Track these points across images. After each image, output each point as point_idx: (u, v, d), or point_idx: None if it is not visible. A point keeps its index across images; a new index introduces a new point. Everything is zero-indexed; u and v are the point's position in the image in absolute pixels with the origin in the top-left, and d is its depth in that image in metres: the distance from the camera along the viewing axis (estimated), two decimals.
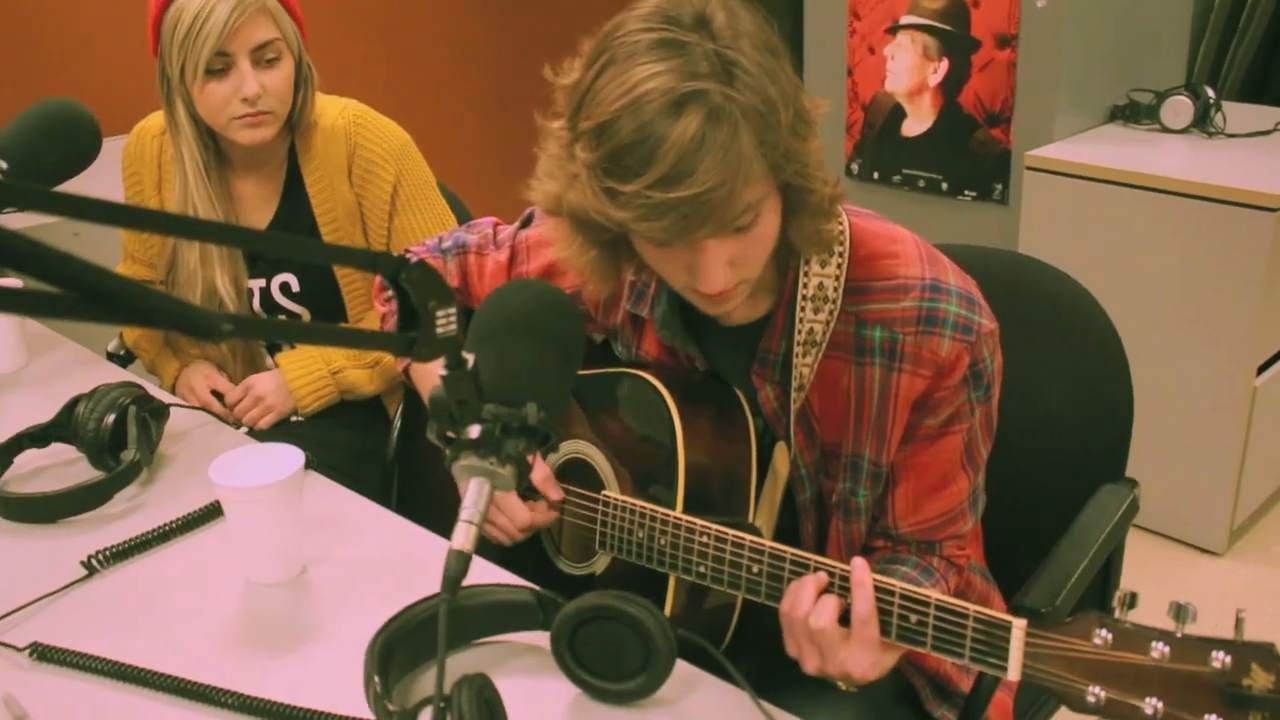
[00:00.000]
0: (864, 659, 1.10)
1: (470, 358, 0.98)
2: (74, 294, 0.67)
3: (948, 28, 3.10)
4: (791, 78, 1.12)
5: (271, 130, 1.84)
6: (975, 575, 1.43)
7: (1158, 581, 2.76)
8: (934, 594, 1.08)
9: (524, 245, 1.49)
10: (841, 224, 1.27)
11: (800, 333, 1.27)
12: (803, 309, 1.27)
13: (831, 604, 1.11)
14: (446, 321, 0.92)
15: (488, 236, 1.54)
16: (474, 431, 0.98)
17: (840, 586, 1.12)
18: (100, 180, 2.13)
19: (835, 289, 1.26)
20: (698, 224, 1.08)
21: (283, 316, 1.98)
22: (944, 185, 3.23)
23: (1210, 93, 2.98)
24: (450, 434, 1.00)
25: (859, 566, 1.11)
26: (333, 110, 1.92)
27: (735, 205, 1.09)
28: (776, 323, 1.30)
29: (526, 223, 1.51)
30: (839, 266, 1.27)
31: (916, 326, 1.24)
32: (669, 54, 1.06)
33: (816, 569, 1.14)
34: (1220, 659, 0.92)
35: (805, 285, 1.27)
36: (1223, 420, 2.75)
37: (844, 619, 1.11)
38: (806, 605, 1.12)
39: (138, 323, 0.73)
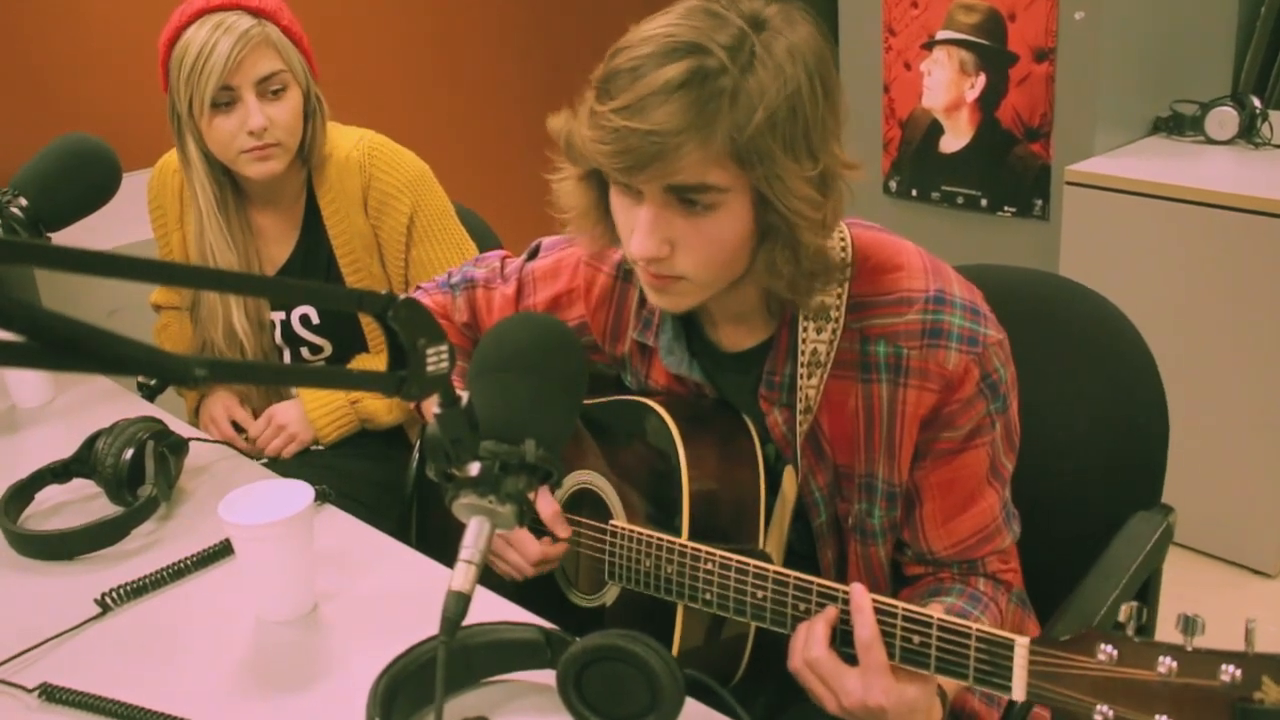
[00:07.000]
0: (876, 686, 1.07)
1: (464, 395, 0.97)
2: (38, 343, 0.66)
3: (984, 42, 3.05)
4: (826, 122, 1.14)
5: (280, 163, 1.82)
6: (1012, 602, 1.39)
7: (1207, 604, 2.65)
8: (936, 614, 1.06)
9: (530, 277, 1.48)
10: (844, 239, 1.26)
11: (804, 353, 1.25)
12: (804, 329, 1.25)
13: (820, 628, 1.10)
14: (437, 359, 0.91)
15: (495, 270, 1.53)
16: (473, 469, 0.98)
17: (842, 610, 1.11)
18: (134, 214, 2.15)
19: (838, 306, 1.24)
20: (643, 163, 1.09)
21: (304, 348, 1.98)
22: (983, 202, 3.19)
23: (1256, 103, 2.91)
24: (453, 471, 0.99)
25: (857, 591, 1.09)
26: (348, 142, 1.91)
27: (681, 160, 1.08)
28: (780, 344, 1.28)
29: (533, 255, 1.50)
30: (841, 283, 1.25)
31: (921, 340, 1.21)
32: (703, 19, 1.10)
33: (819, 591, 1.13)
34: (1230, 672, 0.88)
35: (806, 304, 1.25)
36: (1271, 439, 2.68)
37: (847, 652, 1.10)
38: (800, 643, 1.12)
39: (109, 370, 0.72)
